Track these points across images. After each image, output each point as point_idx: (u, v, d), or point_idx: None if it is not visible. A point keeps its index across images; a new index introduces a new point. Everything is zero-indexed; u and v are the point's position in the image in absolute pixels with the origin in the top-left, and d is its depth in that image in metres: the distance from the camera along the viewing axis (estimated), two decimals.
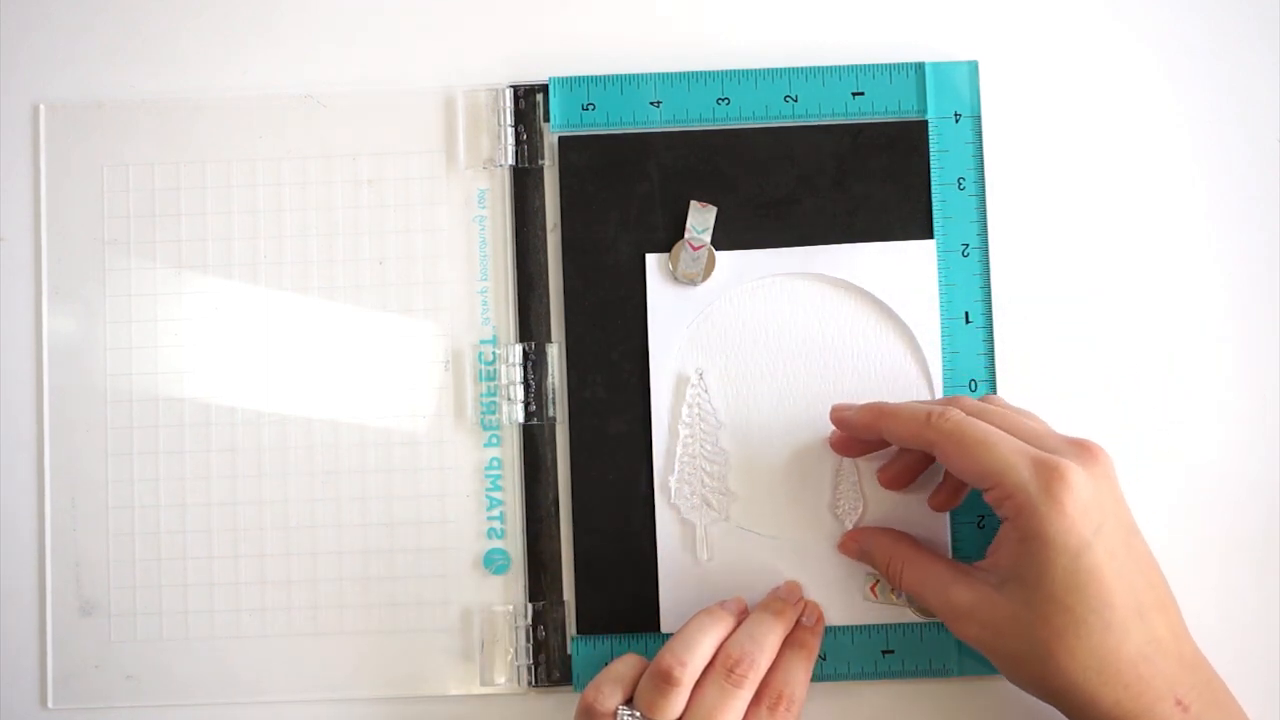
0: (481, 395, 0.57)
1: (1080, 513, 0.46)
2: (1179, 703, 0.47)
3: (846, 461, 0.55)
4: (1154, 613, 0.47)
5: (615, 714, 0.50)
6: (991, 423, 0.49)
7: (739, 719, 0.50)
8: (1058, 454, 0.48)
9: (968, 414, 0.49)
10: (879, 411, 0.52)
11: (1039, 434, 0.49)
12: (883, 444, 0.53)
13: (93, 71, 0.58)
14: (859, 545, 0.54)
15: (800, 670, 0.52)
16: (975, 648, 0.50)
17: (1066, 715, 0.48)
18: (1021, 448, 0.48)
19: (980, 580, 0.49)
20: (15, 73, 0.58)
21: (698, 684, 0.50)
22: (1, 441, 0.57)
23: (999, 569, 0.49)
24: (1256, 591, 0.56)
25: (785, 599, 0.54)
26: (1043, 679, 0.48)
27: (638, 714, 0.50)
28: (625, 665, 0.52)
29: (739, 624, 0.52)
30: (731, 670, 0.50)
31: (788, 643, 0.53)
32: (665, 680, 0.50)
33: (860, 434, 0.53)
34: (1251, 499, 0.56)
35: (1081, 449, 0.48)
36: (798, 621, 0.54)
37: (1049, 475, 0.47)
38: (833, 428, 0.54)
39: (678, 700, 0.49)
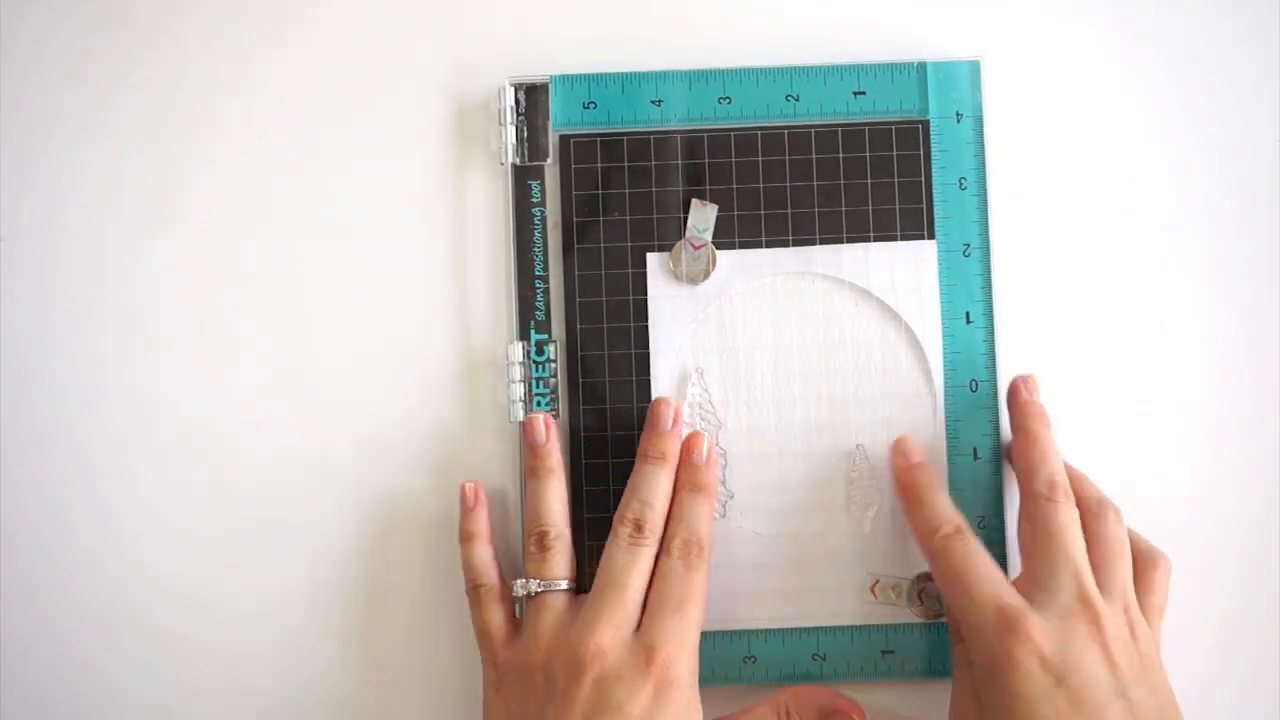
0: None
1: (1036, 666, 0.47)
2: None
3: (860, 459, 0.55)
4: None
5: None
6: (1068, 524, 0.50)
7: (646, 575, 0.51)
8: (1050, 601, 0.49)
9: (1078, 511, 0.51)
10: (913, 486, 0.53)
11: (1064, 572, 0.49)
12: None
13: (96, 77, 0.58)
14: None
15: (701, 513, 0.52)
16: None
17: None
18: (994, 592, 0.49)
19: (967, 674, 0.50)
20: (17, 72, 0.58)
21: (606, 548, 0.52)
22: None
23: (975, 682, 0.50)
24: (1260, 589, 0.56)
25: (663, 434, 0.53)
26: None
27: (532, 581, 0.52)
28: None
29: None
30: (633, 533, 0.51)
31: (681, 485, 0.53)
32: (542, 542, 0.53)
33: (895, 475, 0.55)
34: (1253, 496, 0.56)
35: (1083, 606, 0.48)
36: (687, 460, 0.53)
37: (1006, 625, 0.48)
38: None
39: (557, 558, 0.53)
